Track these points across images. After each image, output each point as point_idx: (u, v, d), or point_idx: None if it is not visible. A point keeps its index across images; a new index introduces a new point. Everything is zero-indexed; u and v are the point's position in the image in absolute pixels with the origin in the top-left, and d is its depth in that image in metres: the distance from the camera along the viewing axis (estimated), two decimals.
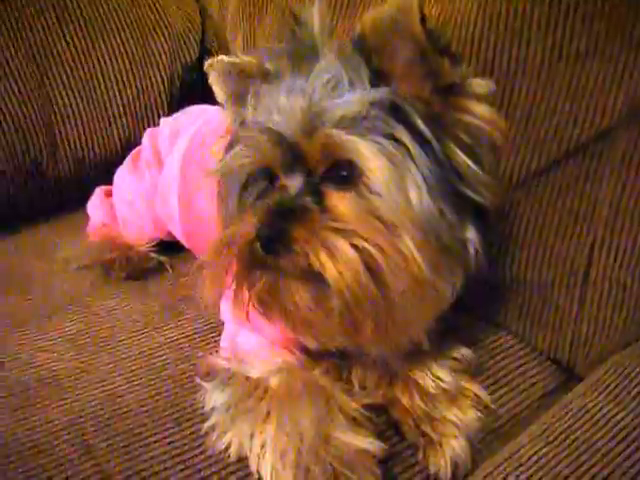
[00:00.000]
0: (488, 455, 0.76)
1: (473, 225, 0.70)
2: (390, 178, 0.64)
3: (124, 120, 1.26)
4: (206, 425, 0.76)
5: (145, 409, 0.80)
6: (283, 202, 0.67)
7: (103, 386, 0.84)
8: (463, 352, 0.85)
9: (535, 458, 0.72)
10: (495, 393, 0.85)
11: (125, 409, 0.80)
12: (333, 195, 0.67)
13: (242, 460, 0.73)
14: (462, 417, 0.77)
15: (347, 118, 0.65)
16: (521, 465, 0.71)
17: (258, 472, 0.71)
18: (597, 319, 0.88)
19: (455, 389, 0.80)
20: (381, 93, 0.66)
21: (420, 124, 0.66)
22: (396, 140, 0.65)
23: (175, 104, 1.27)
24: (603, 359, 0.88)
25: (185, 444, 0.75)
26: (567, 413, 0.78)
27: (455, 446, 0.74)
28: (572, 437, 0.74)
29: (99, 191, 1.17)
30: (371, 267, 0.64)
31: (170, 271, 1.08)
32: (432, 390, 0.79)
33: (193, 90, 1.30)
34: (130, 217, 1.11)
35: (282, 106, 0.67)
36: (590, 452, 0.72)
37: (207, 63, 0.76)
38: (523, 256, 0.91)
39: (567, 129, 0.83)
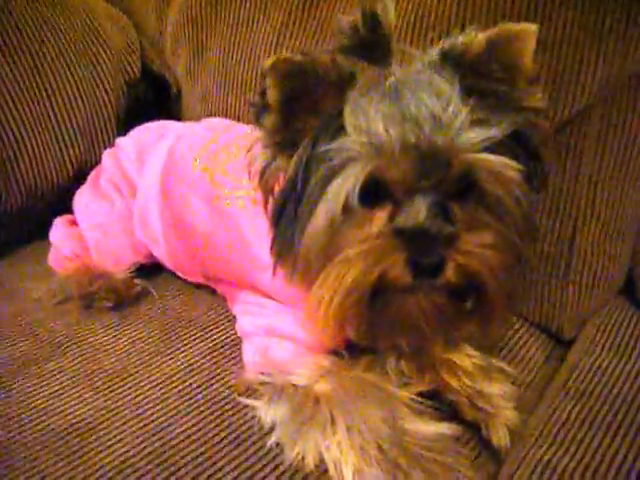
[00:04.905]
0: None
1: None
2: (507, 195, 0.70)
3: (75, 145, 1.19)
4: (270, 441, 0.75)
5: (196, 437, 0.77)
6: (428, 226, 0.67)
7: (140, 421, 0.79)
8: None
9: (574, 414, 0.79)
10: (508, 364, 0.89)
11: (175, 441, 0.77)
12: (457, 211, 0.69)
13: (319, 467, 0.73)
14: (503, 389, 0.81)
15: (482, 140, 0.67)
16: (564, 424, 0.77)
17: (340, 477, 0.71)
18: (581, 285, 0.97)
19: (487, 365, 0.84)
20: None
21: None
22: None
23: (123, 123, 1.22)
24: (586, 320, 0.97)
25: (253, 464, 0.74)
26: (581, 372, 0.86)
27: (510, 417, 0.78)
28: (596, 391, 0.82)
29: (61, 221, 1.10)
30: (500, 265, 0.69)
31: (155, 295, 1.03)
32: (471, 369, 0.82)
33: (139, 107, 1.27)
34: (105, 244, 1.04)
35: (421, 119, 0.66)
36: (618, 402, 0.80)
37: (268, 63, 0.67)
38: None
39: (549, 109, 0.90)
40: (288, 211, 0.72)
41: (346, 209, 0.68)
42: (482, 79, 0.70)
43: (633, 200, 0.94)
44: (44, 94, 1.17)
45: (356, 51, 0.71)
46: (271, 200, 0.75)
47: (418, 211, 0.68)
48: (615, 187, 0.93)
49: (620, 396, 0.81)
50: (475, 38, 0.69)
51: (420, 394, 0.80)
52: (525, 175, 0.71)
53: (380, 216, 0.70)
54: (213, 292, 1.01)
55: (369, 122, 0.67)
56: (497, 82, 0.70)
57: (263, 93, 0.69)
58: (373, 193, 0.69)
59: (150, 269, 1.07)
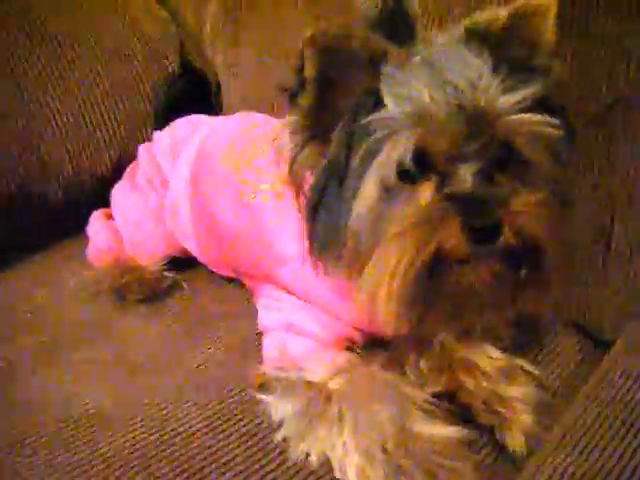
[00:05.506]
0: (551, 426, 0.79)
1: None
2: (546, 157, 0.70)
3: (114, 141, 1.21)
4: (278, 437, 0.75)
5: (206, 430, 0.78)
6: (478, 191, 0.66)
7: (154, 412, 0.81)
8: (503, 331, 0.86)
9: (602, 420, 0.74)
10: (537, 366, 0.86)
11: (186, 433, 0.77)
12: (502, 180, 0.68)
13: (324, 465, 0.72)
14: (524, 392, 0.79)
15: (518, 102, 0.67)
16: (588, 431, 0.73)
17: (343, 476, 0.70)
18: (619, 283, 0.91)
19: (509, 367, 0.81)
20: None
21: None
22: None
23: (161, 118, 1.21)
24: (626, 321, 0.92)
25: (260, 459, 0.74)
26: (613, 378, 0.81)
27: (527, 422, 0.76)
28: (627, 398, 0.76)
29: (98, 214, 1.13)
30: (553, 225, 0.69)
31: (186, 288, 1.05)
32: (490, 370, 0.80)
33: (179, 102, 1.26)
34: (138, 237, 1.07)
35: (460, 85, 0.66)
36: None
37: (308, 36, 0.65)
38: None
39: (584, 103, 0.87)
40: (329, 197, 0.70)
41: (393, 183, 0.68)
42: (507, 53, 0.69)
43: None
44: (82, 90, 1.20)
45: (382, 33, 0.71)
46: (305, 190, 0.73)
47: (466, 178, 0.67)
48: None
49: None
50: (498, 15, 0.70)
51: (437, 395, 0.78)
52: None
53: (428, 188, 0.68)
54: (243, 286, 1.01)
55: (411, 91, 0.66)
56: (521, 55, 0.70)
57: (300, 69, 0.68)
58: (417, 166, 0.68)
59: (183, 263, 1.08)
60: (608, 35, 0.86)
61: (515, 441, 0.75)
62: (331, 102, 0.70)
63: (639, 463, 0.67)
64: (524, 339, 0.89)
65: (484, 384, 0.78)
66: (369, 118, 0.67)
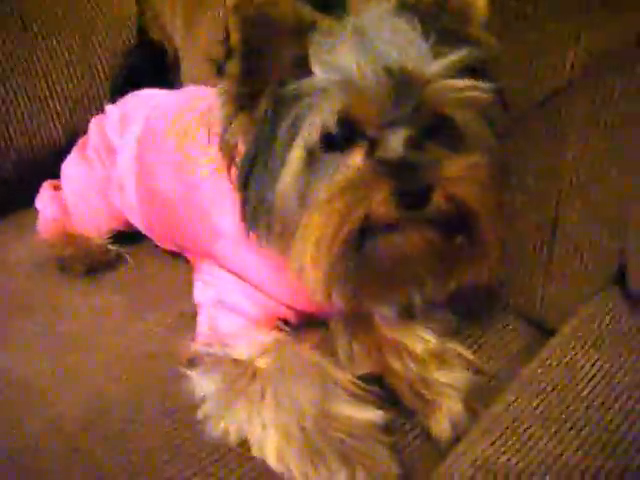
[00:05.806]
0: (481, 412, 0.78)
1: None
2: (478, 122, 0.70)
3: (67, 112, 1.19)
4: (199, 413, 0.74)
5: (131, 404, 0.77)
6: (409, 156, 0.65)
7: (82, 386, 0.80)
8: (441, 314, 0.85)
9: (530, 409, 0.73)
10: (474, 353, 0.85)
11: (110, 407, 0.77)
12: (432, 148, 0.67)
13: (242, 444, 0.71)
14: (454, 377, 0.78)
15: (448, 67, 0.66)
16: (516, 420, 0.72)
17: (261, 454, 0.70)
18: (565, 273, 0.90)
19: (442, 351, 0.80)
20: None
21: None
22: None
23: (118, 92, 1.19)
24: (571, 311, 0.91)
25: (180, 435, 0.73)
26: (549, 366, 0.80)
27: (453, 407, 0.75)
28: (560, 388, 0.75)
29: (47, 185, 1.12)
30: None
31: (130, 262, 1.04)
32: (421, 353, 0.79)
33: (135, 76, 1.24)
34: (83, 209, 1.06)
35: (389, 52, 0.65)
36: (578, 401, 0.73)
37: (232, 4, 0.65)
38: None
39: (529, 87, 0.85)
40: (259, 166, 0.70)
41: (318, 149, 0.67)
42: (438, 23, 0.68)
43: (622, 184, 0.87)
44: (35, 60, 1.17)
45: (313, 4, 0.70)
46: (237, 161, 0.73)
47: (396, 143, 0.66)
48: (601, 169, 0.85)
49: (584, 395, 0.76)
50: None
51: (367, 377, 0.77)
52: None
53: (357, 154, 0.67)
54: (188, 262, 1.00)
55: (338, 58, 0.66)
56: (452, 27, 0.70)
57: (227, 38, 0.68)
58: (346, 133, 0.67)
59: (129, 236, 1.07)
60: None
61: (440, 427, 0.74)
62: (258, 70, 0.69)
63: (560, 455, 0.67)
64: (466, 324, 0.88)
65: (411, 366, 0.77)
66: (296, 85, 0.67)
